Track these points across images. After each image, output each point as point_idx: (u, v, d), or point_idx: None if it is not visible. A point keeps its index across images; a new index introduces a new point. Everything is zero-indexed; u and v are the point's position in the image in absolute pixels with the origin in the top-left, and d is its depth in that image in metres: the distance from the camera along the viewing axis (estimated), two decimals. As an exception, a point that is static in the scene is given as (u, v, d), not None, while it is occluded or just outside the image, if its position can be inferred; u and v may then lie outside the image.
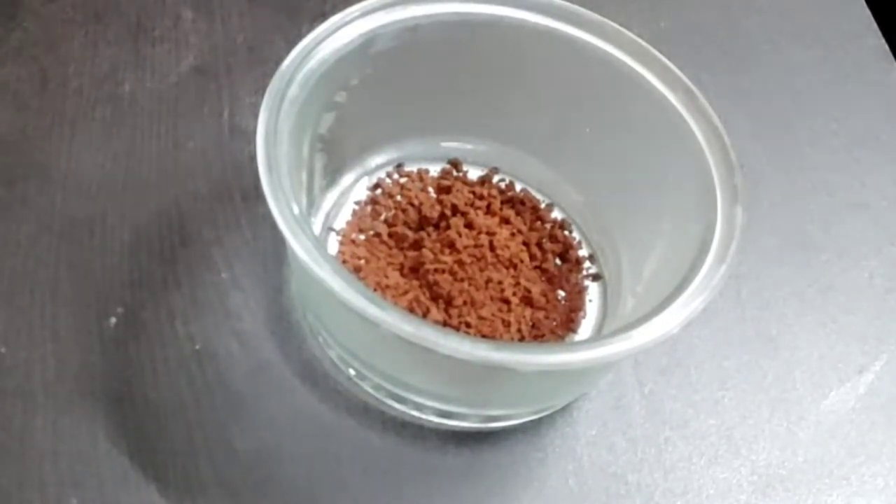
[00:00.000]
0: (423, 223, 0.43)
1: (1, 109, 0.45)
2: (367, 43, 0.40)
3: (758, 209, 0.47)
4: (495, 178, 0.45)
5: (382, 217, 0.43)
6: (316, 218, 0.42)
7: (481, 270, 0.41)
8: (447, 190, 0.43)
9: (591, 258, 0.44)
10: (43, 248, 0.41)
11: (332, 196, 0.43)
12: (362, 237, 0.42)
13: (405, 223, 0.43)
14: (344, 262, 0.41)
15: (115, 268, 0.41)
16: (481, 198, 0.44)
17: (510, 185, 0.45)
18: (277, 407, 0.39)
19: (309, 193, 0.40)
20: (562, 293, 0.42)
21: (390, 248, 0.42)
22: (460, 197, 0.43)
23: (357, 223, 0.43)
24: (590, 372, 0.39)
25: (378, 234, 0.42)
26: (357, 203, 0.43)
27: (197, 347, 0.40)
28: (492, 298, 0.40)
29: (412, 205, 0.43)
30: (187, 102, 0.47)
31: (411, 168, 0.44)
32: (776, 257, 0.46)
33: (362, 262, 0.41)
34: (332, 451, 0.38)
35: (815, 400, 0.42)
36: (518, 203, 0.44)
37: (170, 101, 0.47)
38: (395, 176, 0.44)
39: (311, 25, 0.39)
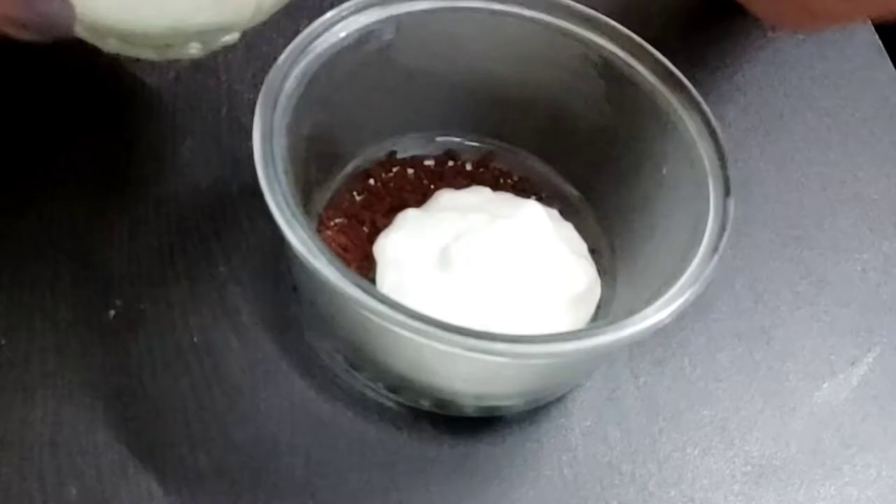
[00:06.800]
0: None
1: (1, 109, 0.45)
2: (363, 38, 0.40)
3: (751, 203, 0.47)
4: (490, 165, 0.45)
5: (372, 205, 0.43)
6: (312, 211, 0.42)
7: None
8: (440, 176, 0.44)
9: (585, 250, 0.44)
10: (43, 242, 0.42)
11: (328, 189, 0.43)
12: (347, 223, 0.42)
13: (396, 210, 0.42)
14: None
15: (113, 261, 0.41)
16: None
17: (507, 173, 0.45)
18: (275, 399, 0.39)
19: (305, 187, 0.40)
20: (556, 285, 0.42)
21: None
22: (454, 185, 0.43)
23: (344, 210, 0.42)
24: (583, 362, 0.39)
25: (362, 221, 0.42)
26: (348, 191, 0.43)
27: (195, 340, 0.40)
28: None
29: (403, 192, 0.43)
30: (186, 99, 0.47)
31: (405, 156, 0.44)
32: (770, 250, 0.46)
33: (348, 252, 0.41)
34: (330, 442, 0.39)
35: (808, 391, 0.43)
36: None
37: (169, 98, 0.47)
38: (388, 164, 0.44)
39: (310, 22, 0.39)
